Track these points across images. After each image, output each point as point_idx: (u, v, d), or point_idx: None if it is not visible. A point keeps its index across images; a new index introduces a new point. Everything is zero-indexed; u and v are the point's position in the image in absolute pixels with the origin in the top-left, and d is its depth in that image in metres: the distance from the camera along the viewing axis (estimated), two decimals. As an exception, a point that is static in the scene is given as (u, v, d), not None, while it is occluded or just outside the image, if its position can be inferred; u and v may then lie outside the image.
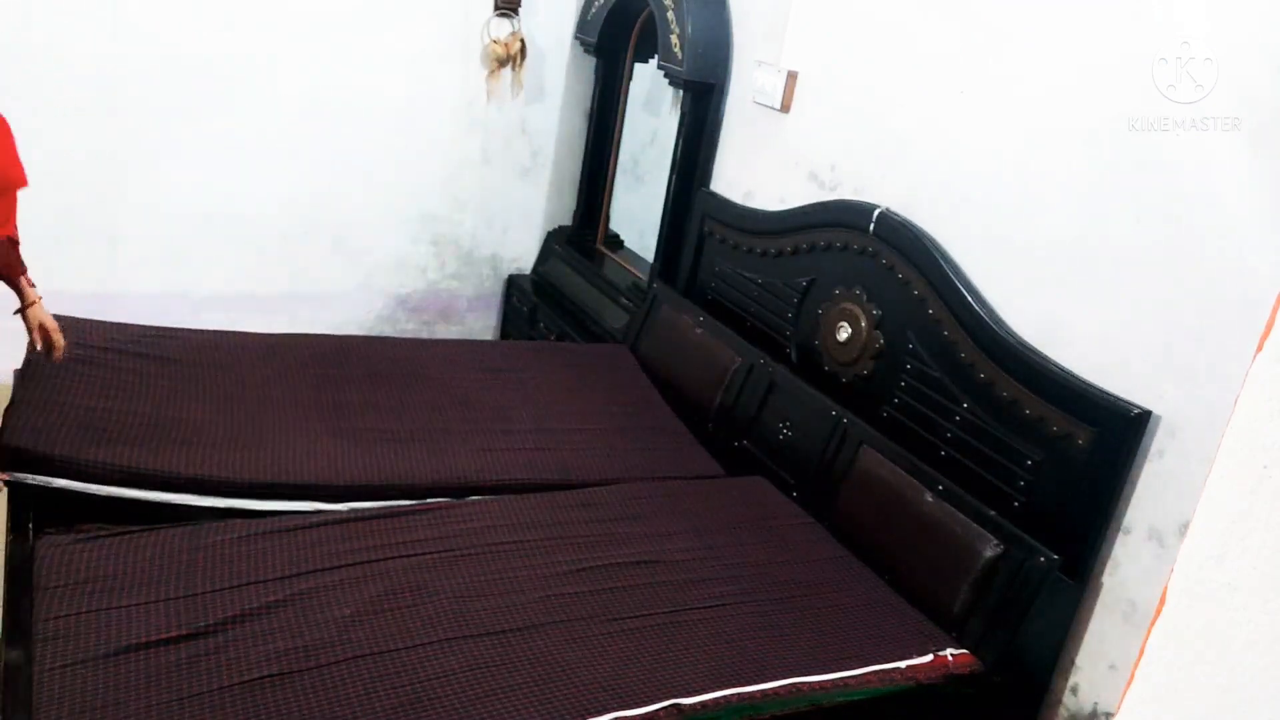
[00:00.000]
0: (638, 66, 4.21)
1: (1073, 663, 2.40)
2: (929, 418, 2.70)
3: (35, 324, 2.44)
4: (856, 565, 2.56)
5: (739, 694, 2.03)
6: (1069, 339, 2.42)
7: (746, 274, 3.40)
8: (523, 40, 4.16)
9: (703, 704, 1.99)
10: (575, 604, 2.21)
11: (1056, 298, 2.45)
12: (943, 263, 2.69)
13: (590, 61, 4.27)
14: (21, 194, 2.34)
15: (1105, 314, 2.34)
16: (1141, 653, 0.85)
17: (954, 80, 2.72)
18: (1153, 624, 0.85)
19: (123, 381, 2.74)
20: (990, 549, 2.36)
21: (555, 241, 4.50)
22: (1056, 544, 2.30)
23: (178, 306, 3.87)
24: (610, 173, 4.34)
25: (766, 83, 3.35)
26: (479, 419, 2.98)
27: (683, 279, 3.71)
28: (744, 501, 2.79)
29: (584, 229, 4.44)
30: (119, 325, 3.01)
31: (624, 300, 3.97)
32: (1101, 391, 2.31)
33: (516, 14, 4.13)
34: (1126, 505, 2.29)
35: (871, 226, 2.90)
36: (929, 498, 2.52)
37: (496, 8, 4.09)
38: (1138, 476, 2.27)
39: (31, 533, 2.22)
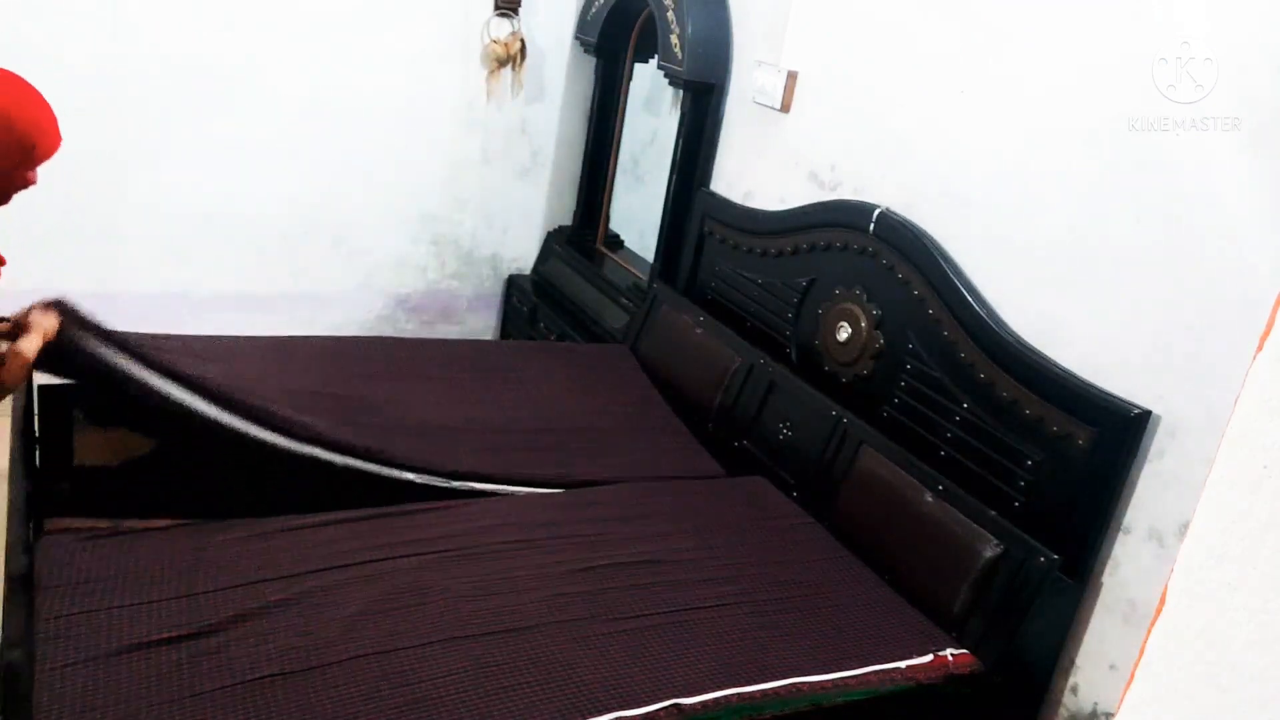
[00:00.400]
0: (638, 66, 4.21)
1: (1073, 663, 2.40)
2: (929, 418, 2.70)
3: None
4: (856, 565, 2.56)
5: (739, 694, 2.03)
6: (1069, 339, 2.42)
7: (746, 274, 3.40)
8: (523, 40, 4.16)
9: (703, 704, 1.99)
10: (576, 604, 2.21)
11: (1056, 298, 2.45)
12: (943, 263, 2.69)
13: (590, 61, 4.27)
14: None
15: (1105, 314, 2.34)
16: (1141, 653, 0.85)
17: (954, 80, 2.72)
18: (1153, 624, 0.85)
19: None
20: (990, 549, 2.36)
21: (555, 241, 4.50)
22: (1056, 544, 2.30)
23: (178, 306, 3.87)
24: (610, 173, 4.34)
25: (766, 83, 3.35)
26: (479, 418, 2.98)
27: (683, 279, 3.71)
28: (744, 501, 2.79)
29: (584, 229, 4.44)
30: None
31: (624, 300, 3.97)
32: (1101, 391, 2.31)
33: (516, 14, 4.13)
34: (1126, 505, 2.29)
35: (871, 226, 2.90)
36: (929, 498, 2.53)
37: (496, 8, 4.09)
38: (1138, 476, 2.27)
39: (31, 533, 2.22)
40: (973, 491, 2.49)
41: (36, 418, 2.49)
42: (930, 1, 2.80)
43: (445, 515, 2.46)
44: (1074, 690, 2.40)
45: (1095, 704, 2.36)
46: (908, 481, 2.59)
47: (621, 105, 4.26)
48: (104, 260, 3.80)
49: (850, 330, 2.96)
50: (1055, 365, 2.42)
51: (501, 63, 4.16)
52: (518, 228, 4.53)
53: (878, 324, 2.88)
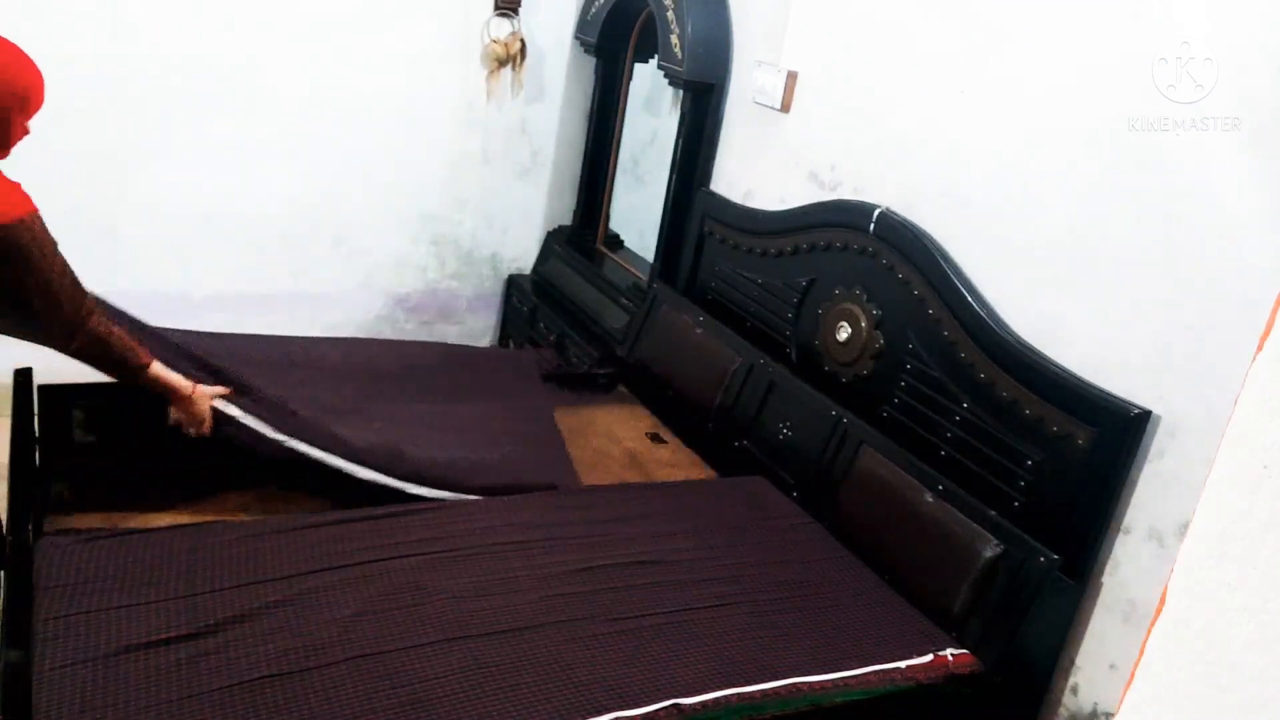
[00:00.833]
0: (638, 66, 4.21)
1: (1073, 663, 2.40)
2: (929, 418, 2.70)
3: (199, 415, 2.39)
4: (856, 565, 2.56)
5: (739, 694, 2.03)
6: (1069, 339, 2.42)
7: (746, 274, 3.40)
8: (523, 40, 4.16)
9: (703, 704, 1.99)
10: (575, 604, 2.21)
11: (1056, 298, 2.45)
12: (943, 263, 2.69)
13: (590, 61, 4.27)
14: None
15: (1105, 314, 2.34)
16: (1141, 653, 0.85)
17: (954, 80, 2.72)
18: (1153, 624, 0.85)
19: None
20: (990, 549, 2.36)
21: (555, 241, 4.50)
22: (1056, 544, 2.30)
23: (178, 307, 3.86)
24: (610, 173, 4.34)
25: (766, 83, 3.35)
26: (459, 425, 2.96)
27: (683, 279, 3.71)
28: (744, 501, 2.79)
29: (584, 229, 4.44)
30: None
31: (624, 300, 3.97)
32: (1101, 391, 2.31)
33: (516, 14, 4.13)
34: (1126, 505, 2.29)
35: (871, 226, 2.90)
36: (929, 498, 2.52)
37: (496, 8, 4.09)
38: (1138, 476, 2.27)
39: (31, 533, 2.22)
40: (973, 491, 2.49)
41: (36, 418, 2.49)
42: (930, 1, 2.80)
43: (443, 515, 2.46)
44: (1074, 690, 2.40)
45: (1095, 704, 2.36)
46: (908, 481, 2.59)
47: (621, 105, 4.26)
48: (104, 260, 3.79)
49: (850, 330, 2.96)
50: (1055, 365, 2.42)
51: (501, 63, 4.16)
52: (518, 228, 4.53)
53: (878, 324, 2.88)
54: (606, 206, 4.39)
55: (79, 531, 2.23)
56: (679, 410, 3.33)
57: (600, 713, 1.91)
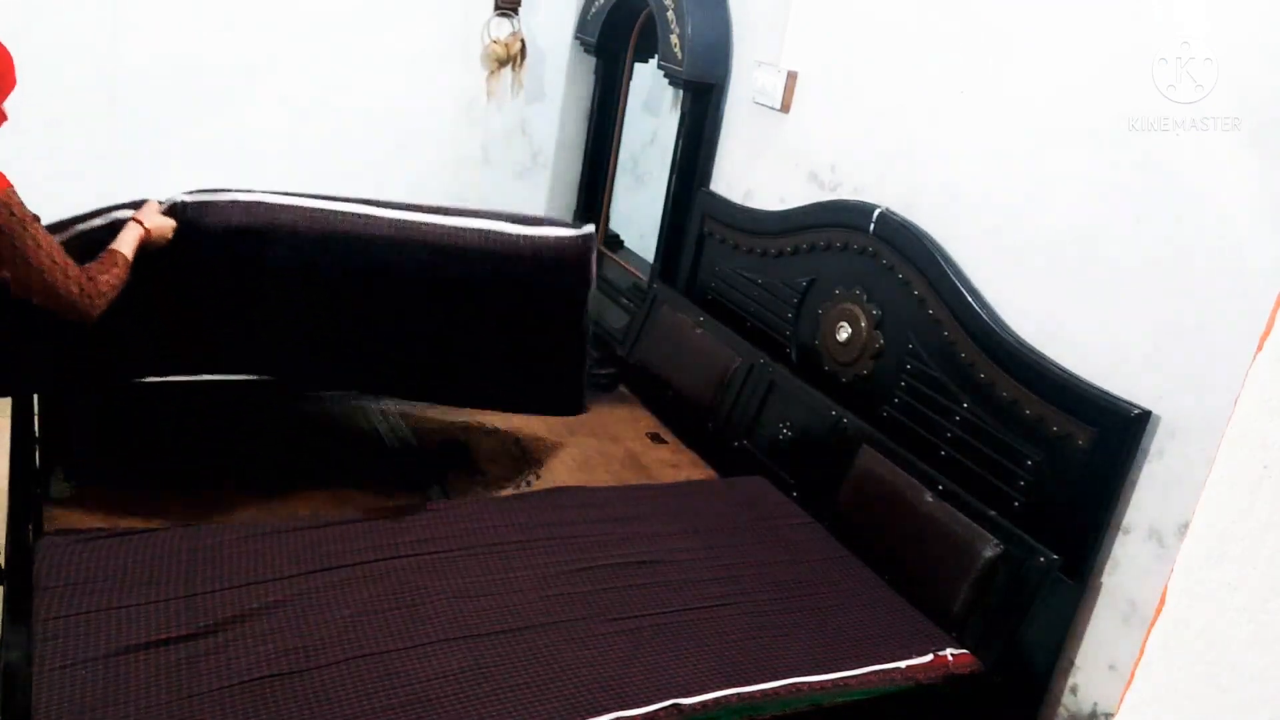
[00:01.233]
0: (638, 66, 4.21)
1: (1072, 663, 2.40)
2: (929, 418, 2.70)
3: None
4: (856, 565, 2.56)
5: (739, 694, 2.03)
6: (1069, 339, 2.42)
7: (746, 274, 3.40)
8: (523, 40, 4.16)
9: (703, 704, 1.99)
10: (575, 604, 2.21)
11: (1056, 298, 2.45)
12: (943, 263, 2.69)
13: (590, 61, 4.27)
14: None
15: (1105, 314, 2.34)
16: (1141, 653, 0.85)
17: (954, 80, 2.71)
18: (1153, 624, 0.85)
19: None
20: (990, 549, 2.36)
21: (555, 241, 4.49)
22: (1056, 544, 2.30)
23: (178, 306, 3.86)
24: (610, 173, 4.34)
25: (766, 83, 3.35)
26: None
27: (683, 279, 3.71)
28: (744, 501, 2.79)
29: (584, 229, 4.43)
30: None
31: (624, 300, 3.97)
32: (1101, 392, 2.31)
33: (516, 14, 4.13)
34: (1126, 505, 2.29)
35: (871, 227, 2.90)
36: (929, 498, 2.52)
37: (496, 8, 4.09)
38: (1138, 476, 2.27)
39: (31, 533, 2.22)
40: (973, 491, 2.49)
41: (36, 418, 2.49)
42: (930, 1, 2.80)
43: (443, 515, 2.46)
44: (1074, 690, 2.40)
45: (1095, 704, 2.36)
46: (908, 481, 2.59)
47: (621, 105, 4.26)
48: (104, 260, 3.79)
49: (850, 330, 2.96)
50: (1055, 365, 2.42)
51: (501, 63, 4.16)
52: (518, 228, 4.53)
53: (878, 324, 2.88)
54: (606, 206, 4.39)
55: (79, 531, 2.23)
56: (679, 410, 3.33)
57: (600, 713, 1.91)
